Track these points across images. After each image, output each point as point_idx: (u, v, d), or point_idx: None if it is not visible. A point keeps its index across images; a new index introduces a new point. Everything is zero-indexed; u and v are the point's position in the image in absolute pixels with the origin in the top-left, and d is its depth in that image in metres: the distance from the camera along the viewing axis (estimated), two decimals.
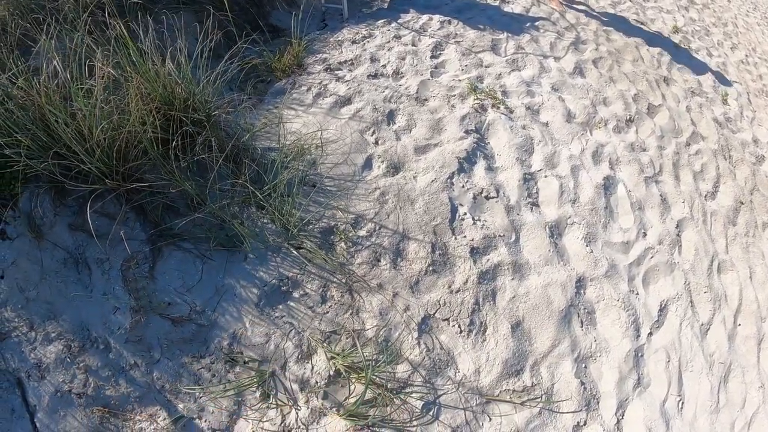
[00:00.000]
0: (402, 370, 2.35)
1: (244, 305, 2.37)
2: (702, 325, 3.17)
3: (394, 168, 3.14)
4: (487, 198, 3.13)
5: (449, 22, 4.71)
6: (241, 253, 2.54)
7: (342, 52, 3.96)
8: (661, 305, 3.15)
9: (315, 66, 3.74)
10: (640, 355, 2.82)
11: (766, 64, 7.49)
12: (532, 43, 4.79)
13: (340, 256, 2.65)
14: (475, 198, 3.10)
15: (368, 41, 4.15)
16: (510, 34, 4.84)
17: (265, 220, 2.66)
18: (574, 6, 5.76)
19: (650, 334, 2.96)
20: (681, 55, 5.78)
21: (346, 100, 3.46)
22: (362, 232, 2.76)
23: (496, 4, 5.43)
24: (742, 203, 4.15)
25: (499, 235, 2.97)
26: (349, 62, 3.84)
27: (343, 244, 2.68)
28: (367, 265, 2.65)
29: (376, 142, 3.23)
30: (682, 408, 2.74)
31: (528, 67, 4.47)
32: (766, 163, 4.89)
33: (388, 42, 4.18)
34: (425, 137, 3.39)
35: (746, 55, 7.20)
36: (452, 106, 3.64)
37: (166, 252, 2.43)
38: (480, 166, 3.33)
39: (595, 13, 5.75)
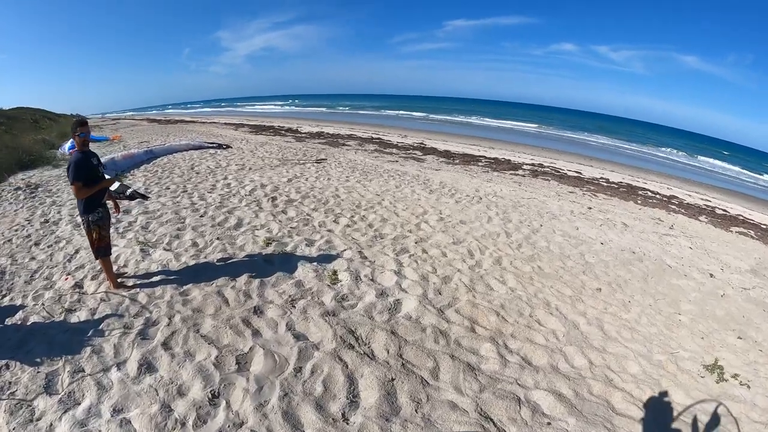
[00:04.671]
0: None
1: None
2: None
3: None
4: None
5: (7, 366, 3.96)
6: None
7: None
8: None
9: None
10: None
11: (373, 211, 8.06)
12: (92, 357, 4.07)
13: None
14: None
15: None
16: (68, 357, 4.07)
17: None
18: (148, 279, 5.47)
19: None
20: (274, 266, 5.80)
21: None
22: None
23: (62, 318, 4.74)
24: (393, 379, 3.81)
25: None
26: None
27: None
28: None
29: None
30: None
31: (87, 394, 3.66)
32: (403, 305, 4.90)
33: None
34: None
35: (352, 216, 8.09)
36: None
37: None
38: None
39: (173, 276, 5.50)
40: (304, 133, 26.71)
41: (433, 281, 5.65)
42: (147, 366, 3.90)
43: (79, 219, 6.88)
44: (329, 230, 7.15)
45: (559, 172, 17.75)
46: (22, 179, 11.74)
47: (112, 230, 7.05)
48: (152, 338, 4.27)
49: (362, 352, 4.10)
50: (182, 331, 4.35)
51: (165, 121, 42.56)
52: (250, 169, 12.35)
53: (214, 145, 17.09)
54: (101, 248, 5.05)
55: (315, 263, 5.82)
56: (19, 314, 4.92)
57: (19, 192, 10.43)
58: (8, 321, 4.82)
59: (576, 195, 13.06)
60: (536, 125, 52.29)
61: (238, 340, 4.21)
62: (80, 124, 4.74)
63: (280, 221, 7.48)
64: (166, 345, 4.15)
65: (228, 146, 17.05)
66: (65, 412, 3.48)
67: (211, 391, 3.59)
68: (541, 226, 8.61)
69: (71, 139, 18.67)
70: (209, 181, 10.81)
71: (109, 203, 5.47)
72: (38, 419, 3.44)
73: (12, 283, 5.69)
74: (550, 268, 6.49)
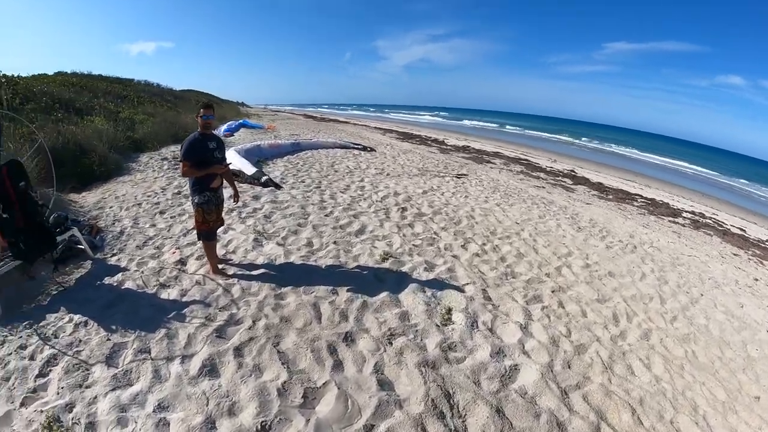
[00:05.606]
0: None
1: None
2: None
3: None
4: None
5: (85, 324, 4.08)
6: None
7: None
8: None
9: None
10: None
11: (509, 241, 6.96)
12: (163, 340, 3.86)
13: None
14: None
15: None
16: (142, 333, 3.95)
17: None
18: (249, 271, 5.17)
19: None
20: (384, 286, 4.99)
21: None
22: None
23: (153, 291, 4.69)
24: None
25: None
26: None
27: None
28: None
29: None
30: None
31: (141, 378, 3.46)
32: (520, 374, 3.83)
33: (11, 353, 3.70)
34: None
35: (483, 244, 6.95)
36: None
37: None
38: None
39: (275, 273, 5.10)
40: (450, 145, 26.00)
41: (565, 348, 4.46)
42: (210, 369, 3.51)
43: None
44: (455, 256, 6.18)
45: (722, 226, 15.07)
46: (172, 152, 12.74)
47: (234, 214, 7.03)
48: (228, 339, 3.89)
49: (452, 428, 3.19)
50: (261, 339, 3.87)
51: (320, 119, 44.87)
52: (388, 174, 11.88)
53: (359, 146, 17.04)
54: (203, 232, 4.88)
55: (429, 293, 4.93)
56: (119, 276, 4.99)
57: (164, 162, 11.29)
58: (107, 280, 4.91)
59: (740, 259, 10.71)
60: (695, 166, 46.02)
61: (315, 369, 3.59)
62: (204, 106, 4.66)
63: (404, 235, 6.74)
64: (238, 351, 3.72)
65: (372, 149, 16.91)
66: (113, 389, 3.31)
67: (262, 422, 3.03)
68: (702, 295, 6.86)
69: (228, 122, 20.39)
70: (345, 181, 10.53)
71: (230, 191, 5.27)
72: (87, 387, 3.36)
73: (125, 245, 5.88)
74: (705, 356, 5.00)
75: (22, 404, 3.21)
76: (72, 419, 3.06)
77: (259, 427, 2.96)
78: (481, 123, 69.23)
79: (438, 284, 5.14)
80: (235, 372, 3.46)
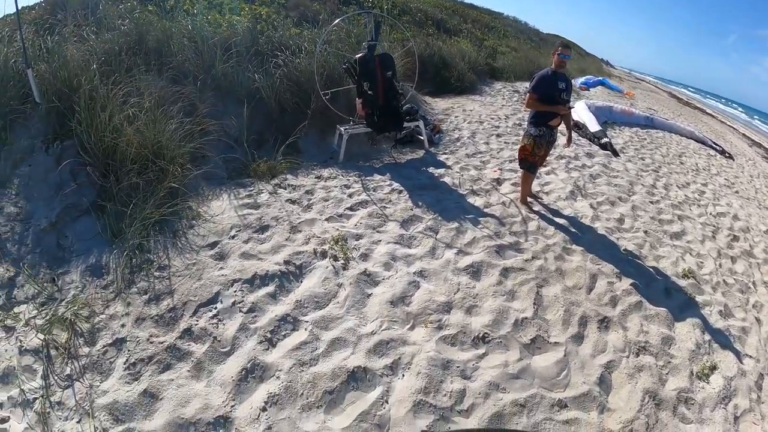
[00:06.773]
0: None
1: None
2: None
3: (221, 256, 3.53)
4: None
5: (399, 192, 5.05)
6: None
7: (298, 177, 5.04)
8: None
9: (277, 178, 4.88)
10: None
11: None
12: (452, 231, 4.37)
13: None
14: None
15: (328, 180, 5.07)
16: (438, 218, 4.56)
17: None
18: (552, 216, 5.21)
19: None
20: (670, 301, 4.21)
21: (256, 206, 4.27)
22: None
23: (462, 192, 5.34)
24: None
25: None
26: (292, 187, 4.77)
27: None
28: None
29: (237, 231, 3.84)
30: None
31: (419, 247, 4.09)
32: None
33: (337, 186, 4.93)
34: (271, 248, 3.71)
35: None
36: (306, 242, 3.87)
37: None
38: (264, 292, 3.22)
39: (574, 230, 4.95)
40: None
41: None
42: (475, 271, 3.81)
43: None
44: (758, 319, 4.61)
45: None
46: (525, 86, 12.83)
47: (563, 162, 7.11)
48: (502, 258, 4.07)
49: None
50: (530, 275, 3.87)
51: (684, 102, 38.68)
52: (736, 192, 9.67)
53: (719, 148, 14.23)
54: (528, 162, 5.02)
55: (707, 338, 3.88)
56: (441, 170, 5.86)
57: (515, 94, 12.09)
58: (431, 169, 5.85)
59: None
60: None
61: (557, 326, 3.40)
62: (563, 45, 4.78)
63: (719, 265, 5.44)
64: (505, 271, 3.84)
65: (731, 157, 13.73)
66: (395, 243, 4.04)
67: (485, 333, 3.14)
68: None
69: (587, 76, 19.72)
70: (687, 177, 9.13)
71: (564, 134, 5.32)
72: (378, 232, 4.19)
73: (457, 149, 6.81)
74: None
75: (327, 219, 4.25)
76: (354, 246, 3.91)
77: (481, 335, 3.12)
78: None
79: (720, 336, 4.05)
80: (492, 285, 3.66)
